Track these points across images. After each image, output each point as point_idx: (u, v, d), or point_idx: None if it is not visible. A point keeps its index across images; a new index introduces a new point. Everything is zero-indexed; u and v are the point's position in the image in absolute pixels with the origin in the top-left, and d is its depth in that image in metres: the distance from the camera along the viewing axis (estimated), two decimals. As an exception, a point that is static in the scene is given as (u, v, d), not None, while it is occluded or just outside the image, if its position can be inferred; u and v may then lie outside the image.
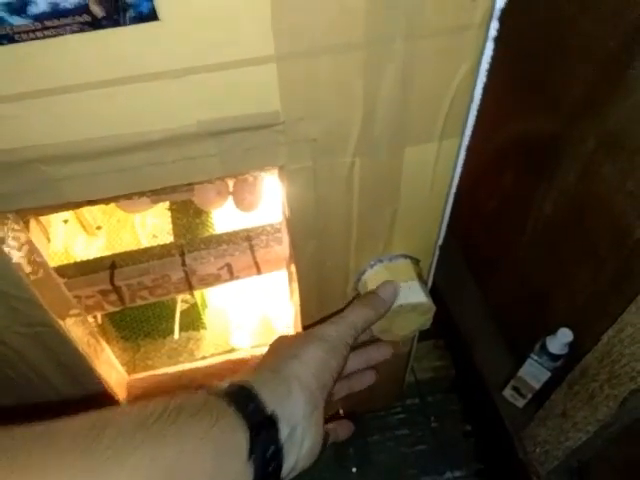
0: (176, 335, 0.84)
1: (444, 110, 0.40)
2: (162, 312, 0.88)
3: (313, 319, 0.56)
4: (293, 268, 0.54)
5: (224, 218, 0.81)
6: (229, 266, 0.64)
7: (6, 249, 0.43)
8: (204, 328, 0.89)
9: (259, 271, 0.66)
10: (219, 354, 0.84)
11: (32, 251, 0.47)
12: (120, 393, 0.65)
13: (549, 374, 0.69)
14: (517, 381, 0.75)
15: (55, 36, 0.28)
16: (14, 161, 0.34)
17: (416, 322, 0.51)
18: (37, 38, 0.28)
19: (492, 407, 0.82)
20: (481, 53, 0.36)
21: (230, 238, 0.63)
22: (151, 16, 0.29)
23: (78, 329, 0.55)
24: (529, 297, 0.80)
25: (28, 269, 0.46)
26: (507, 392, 0.78)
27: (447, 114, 0.40)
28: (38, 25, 0.27)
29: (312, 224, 0.46)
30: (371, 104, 0.37)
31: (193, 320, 0.88)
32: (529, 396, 0.76)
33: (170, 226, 0.91)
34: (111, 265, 0.61)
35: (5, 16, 0.26)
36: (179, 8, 0.29)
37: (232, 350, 0.85)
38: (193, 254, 0.63)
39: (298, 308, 0.57)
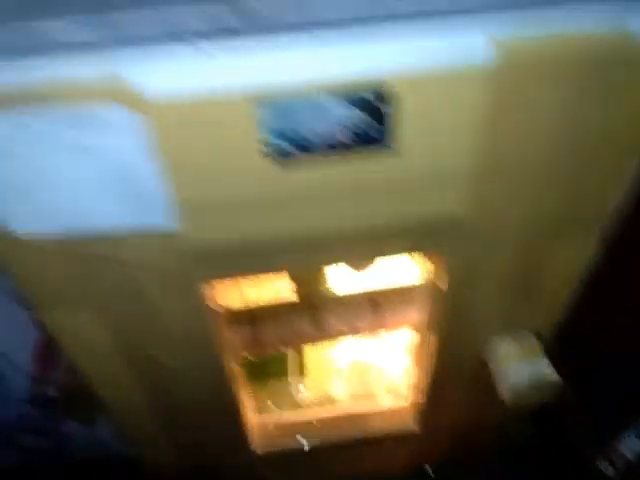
0: (289, 379, 0.92)
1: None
2: (267, 358, 0.95)
3: (440, 384, 0.62)
4: (422, 334, 0.61)
5: (339, 275, 0.88)
6: (353, 324, 0.72)
7: (213, 306, 0.52)
8: (304, 374, 0.96)
9: (380, 329, 0.73)
10: (319, 402, 0.90)
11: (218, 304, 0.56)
12: (252, 432, 0.73)
13: (649, 450, 0.72)
14: (614, 454, 0.77)
15: (318, 162, 0.38)
16: (260, 246, 0.44)
17: (541, 395, 0.56)
18: (307, 163, 0.37)
19: (583, 477, 0.84)
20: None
21: (357, 299, 0.71)
22: (386, 147, 0.38)
23: (229, 369, 0.63)
24: (620, 369, 0.83)
25: (217, 320, 0.54)
26: (602, 464, 0.80)
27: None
28: (308, 155, 0.37)
29: (456, 301, 0.53)
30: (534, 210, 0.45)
31: (295, 366, 0.95)
32: (623, 468, 0.78)
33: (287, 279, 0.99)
34: (254, 318, 0.70)
35: (292, 150, 0.36)
36: (410, 143, 0.38)
37: (331, 399, 0.91)
38: (322, 312, 0.71)
39: (423, 371, 0.64)
